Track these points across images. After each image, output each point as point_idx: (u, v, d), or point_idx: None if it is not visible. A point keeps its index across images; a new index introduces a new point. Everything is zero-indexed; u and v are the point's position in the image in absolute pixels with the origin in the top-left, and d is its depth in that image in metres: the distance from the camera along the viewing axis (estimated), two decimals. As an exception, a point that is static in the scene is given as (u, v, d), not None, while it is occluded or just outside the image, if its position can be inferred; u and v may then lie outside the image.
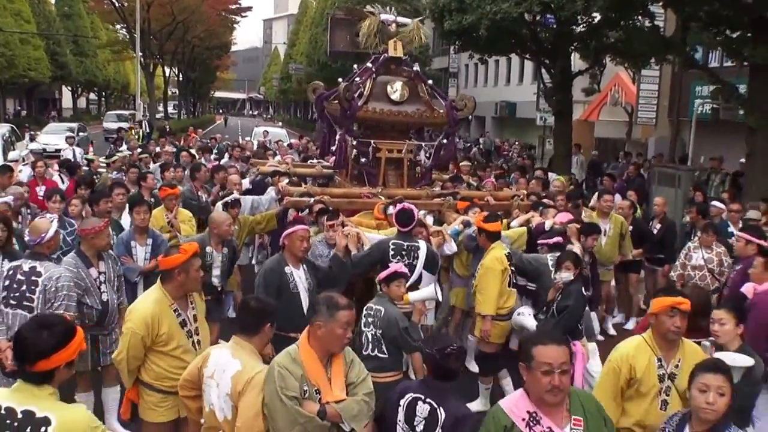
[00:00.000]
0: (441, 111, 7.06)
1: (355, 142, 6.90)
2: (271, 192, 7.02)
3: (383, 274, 4.24)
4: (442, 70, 33.35)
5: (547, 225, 6.06)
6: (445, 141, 7.22)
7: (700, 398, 2.67)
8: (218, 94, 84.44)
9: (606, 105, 19.75)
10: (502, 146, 22.87)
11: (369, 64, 7.14)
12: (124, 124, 24.78)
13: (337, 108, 6.94)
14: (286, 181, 7.16)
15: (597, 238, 6.18)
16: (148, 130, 23.98)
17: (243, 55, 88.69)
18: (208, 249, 5.16)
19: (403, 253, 5.15)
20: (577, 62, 17.39)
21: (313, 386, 2.91)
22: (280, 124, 47.51)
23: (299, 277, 4.55)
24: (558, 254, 5.18)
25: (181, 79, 50.23)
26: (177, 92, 55.35)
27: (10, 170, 7.69)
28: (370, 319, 4.09)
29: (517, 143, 23.44)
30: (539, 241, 5.78)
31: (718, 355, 3.67)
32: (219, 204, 6.31)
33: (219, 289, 5.32)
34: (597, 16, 13.53)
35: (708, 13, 10.02)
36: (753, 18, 9.52)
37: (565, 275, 4.83)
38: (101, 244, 4.53)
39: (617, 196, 8.36)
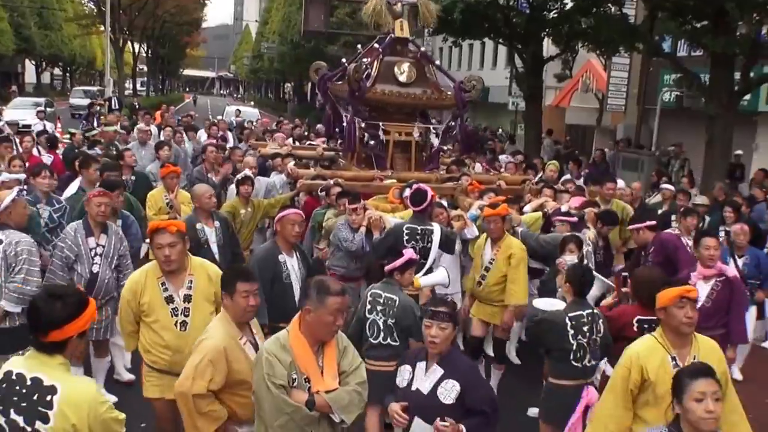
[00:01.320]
0: (449, 93, 6.93)
1: (363, 125, 6.73)
2: (281, 174, 6.90)
3: (398, 263, 4.06)
4: (416, 53, 33.32)
5: (563, 210, 5.91)
6: (453, 123, 7.09)
7: (698, 408, 2.44)
8: (187, 71, 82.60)
9: (577, 91, 20.05)
10: (486, 133, 22.81)
11: (375, 45, 6.97)
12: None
13: (342, 89, 6.78)
14: (293, 163, 6.97)
15: (612, 228, 6.10)
16: (116, 107, 23.54)
17: (213, 33, 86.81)
18: (199, 226, 4.97)
19: (418, 237, 5.08)
20: (549, 48, 17.63)
21: (303, 374, 2.77)
22: (252, 103, 46.99)
23: (292, 266, 4.31)
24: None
25: (150, 55, 49.11)
26: (146, 69, 54.15)
27: (9, 140, 7.57)
28: (379, 307, 3.96)
29: (500, 130, 23.47)
30: (557, 218, 5.66)
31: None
32: (232, 186, 6.23)
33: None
34: (569, 3, 13.78)
35: (674, 2, 10.32)
36: (715, 8, 9.86)
37: (569, 258, 4.73)
38: (93, 212, 4.45)
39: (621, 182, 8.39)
